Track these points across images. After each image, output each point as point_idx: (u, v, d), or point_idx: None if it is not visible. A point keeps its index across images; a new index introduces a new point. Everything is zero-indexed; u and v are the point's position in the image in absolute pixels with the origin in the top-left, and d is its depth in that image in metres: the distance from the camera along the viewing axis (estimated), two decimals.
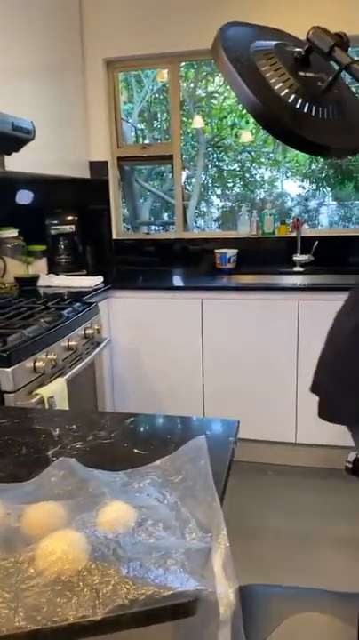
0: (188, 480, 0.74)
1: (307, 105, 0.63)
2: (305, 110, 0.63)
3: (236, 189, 6.78)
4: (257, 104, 0.62)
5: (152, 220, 6.40)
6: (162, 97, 6.04)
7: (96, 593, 0.54)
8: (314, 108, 0.63)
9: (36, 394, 1.54)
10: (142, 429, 0.98)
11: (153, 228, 6.68)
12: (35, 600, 0.53)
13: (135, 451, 0.87)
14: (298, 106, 0.63)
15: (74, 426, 0.96)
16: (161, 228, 6.39)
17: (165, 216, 6.49)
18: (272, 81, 0.63)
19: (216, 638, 0.54)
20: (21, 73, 2.30)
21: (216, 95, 5.99)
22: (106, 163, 3.04)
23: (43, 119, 2.29)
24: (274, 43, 0.67)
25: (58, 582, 0.55)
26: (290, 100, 0.63)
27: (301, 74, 0.65)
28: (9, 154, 2.10)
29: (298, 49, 0.67)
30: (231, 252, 2.88)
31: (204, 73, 5.75)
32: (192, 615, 0.54)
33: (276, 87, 0.63)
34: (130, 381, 2.66)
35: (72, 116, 2.82)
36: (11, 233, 2.56)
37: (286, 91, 0.63)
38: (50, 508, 0.65)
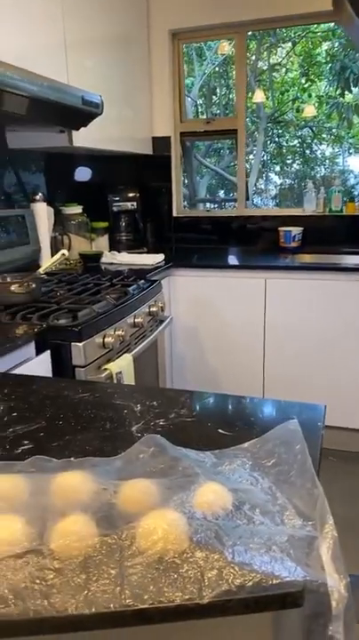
0: (282, 464, 0.71)
1: None
2: None
3: (295, 166, 6.57)
4: None
5: (208, 197, 6.31)
6: (222, 70, 5.88)
7: (201, 576, 0.52)
8: None
9: (105, 369, 1.55)
10: (224, 409, 0.96)
11: (208, 205, 6.60)
12: (140, 579, 0.52)
13: (219, 431, 0.85)
14: None
15: (154, 402, 0.95)
16: (216, 206, 6.29)
17: (221, 193, 6.39)
18: None
19: (325, 633, 0.52)
20: (87, 46, 2.28)
21: (278, 68, 5.77)
22: (169, 138, 2.99)
23: (109, 93, 2.26)
24: None
25: (161, 562, 0.54)
26: None
27: None
28: (77, 129, 2.10)
29: None
30: (296, 231, 2.79)
31: (267, 44, 5.54)
32: (300, 606, 0.52)
33: None
34: (188, 360, 2.65)
35: (136, 90, 2.78)
36: (76, 209, 2.57)
37: None
38: (144, 485, 0.64)
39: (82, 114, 1.97)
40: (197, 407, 0.96)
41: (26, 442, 0.82)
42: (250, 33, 2.98)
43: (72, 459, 0.74)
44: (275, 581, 0.52)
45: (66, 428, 0.87)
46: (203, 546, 0.55)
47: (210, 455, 0.75)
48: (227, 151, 6.13)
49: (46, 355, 1.46)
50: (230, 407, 0.96)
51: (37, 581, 0.52)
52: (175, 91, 3.00)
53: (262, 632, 0.58)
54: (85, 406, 0.95)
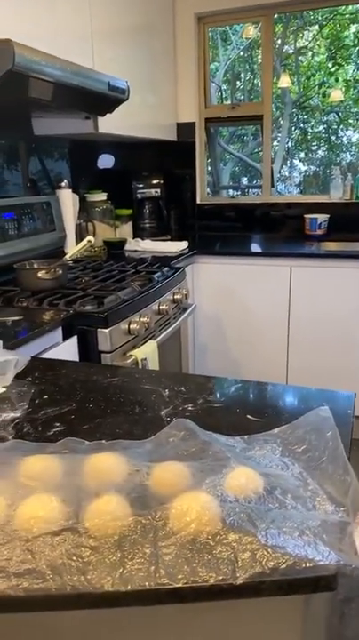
0: (313, 451, 0.71)
1: None
2: None
3: (320, 153, 6.45)
4: None
5: (232, 184, 6.25)
6: (246, 55, 5.79)
7: (234, 557, 0.53)
8: None
9: (130, 355, 1.57)
10: (252, 396, 0.96)
11: (231, 191, 6.53)
12: (174, 559, 0.53)
13: (248, 417, 0.85)
14: None
15: (182, 388, 0.96)
16: (239, 193, 6.23)
17: (245, 180, 6.32)
18: None
19: (358, 617, 0.52)
20: (113, 32, 2.26)
21: (304, 51, 5.65)
22: (193, 124, 2.96)
23: (133, 79, 2.24)
24: None
25: (195, 543, 0.54)
26: None
27: None
28: (102, 115, 2.09)
29: None
30: (322, 218, 2.75)
31: (293, 28, 5.42)
32: (333, 590, 0.52)
33: None
34: (211, 348, 2.64)
35: (161, 75, 2.75)
36: (101, 196, 2.57)
37: None
38: (176, 468, 0.65)
39: (108, 100, 1.96)
40: (225, 393, 0.96)
41: (57, 424, 0.84)
42: (276, 16, 2.92)
43: (103, 441, 0.75)
44: (308, 565, 0.52)
45: (96, 411, 0.88)
46: (236, 528, 0.56)
47: (239, 440, 0.76)
48: (251, 137, 6.05)
49: (73, 340, 1.47)
50: (258, 394, 0.96)
51: (74, 558, 0.53)
52: (200, 76, 2.97)
53: (293, 615, 0.58)
54: (114, 390, 0.96)
